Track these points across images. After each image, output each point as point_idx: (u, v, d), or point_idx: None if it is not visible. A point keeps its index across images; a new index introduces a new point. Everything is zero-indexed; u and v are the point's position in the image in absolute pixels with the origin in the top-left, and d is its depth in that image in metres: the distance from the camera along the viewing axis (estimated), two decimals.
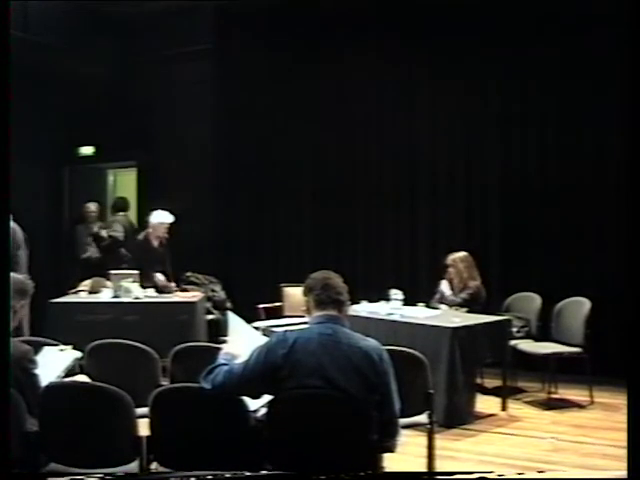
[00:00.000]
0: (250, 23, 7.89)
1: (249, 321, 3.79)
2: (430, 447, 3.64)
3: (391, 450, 2.70)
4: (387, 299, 5.61)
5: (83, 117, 8.49)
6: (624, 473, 1.33)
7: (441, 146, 7.10)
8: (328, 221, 7.64)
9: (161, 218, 6.60)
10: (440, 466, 3.73)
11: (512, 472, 2.61)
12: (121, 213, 8.13)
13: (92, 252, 8.10)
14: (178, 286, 6.79)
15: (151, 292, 6.36)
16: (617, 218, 5.98)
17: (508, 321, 5.45)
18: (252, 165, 8.06)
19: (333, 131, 7.62)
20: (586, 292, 5.63)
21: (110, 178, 9.74)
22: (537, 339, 5.72)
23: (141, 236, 6.71)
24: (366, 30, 7.30)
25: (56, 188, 8.87)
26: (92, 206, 8.37)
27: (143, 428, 2.81)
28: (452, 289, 5.91)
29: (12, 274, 2.91)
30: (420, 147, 7.18)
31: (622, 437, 2.55)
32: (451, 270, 5.91)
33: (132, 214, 9.29)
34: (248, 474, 1.87)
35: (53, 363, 3.29)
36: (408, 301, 5.60)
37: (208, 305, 6.93)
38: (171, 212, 6.60)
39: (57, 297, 6.19)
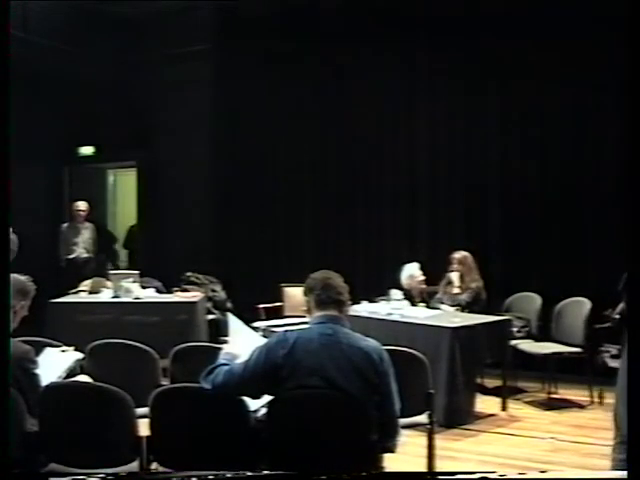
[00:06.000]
0: (250, 23, 7.88)
1: (249, 321, 3.79)
2: (430, 447, 3.63)
3: (391, 450, 2.70)
4: (387, 299, 5.61)
5: (83, 117, 8.48)
6: (624, 473, 1.33)
7: (441, 146, 7.09)
8: (328, 221, 7.64)
9: (410, 272, 6.01)
10: (440, 466, 3.72)
11: (513, 472, 2.60)
12: None
13: (79, 252, 8.07)
14: None
15: (151, 292, 6.36)
16: (617, 218, 5.97)
17: (508, 321, 5.45)
18: (252, 165, 8.05)
19: (333, 131, 7.61)
20: (586, 292, 5.63)
21: (110, 178, 9.75)
22: (537, 339, 5.72)
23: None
24: (366, 31, 7.28)
25: (56, 188, 8.86)
26: (81, 205, 8.06)
27: (143, 428, 2.81)
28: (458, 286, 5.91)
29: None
30: (420, 147, 7.17)
31: None
32: (454, 266, 5.93)
33: (132, 214, 9.33)
34: (249, 474, 1.86)
35: (55, 364, 3.28)
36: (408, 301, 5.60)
37: (208, 305, 6.92)
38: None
39: (57, 297, 6.19)
